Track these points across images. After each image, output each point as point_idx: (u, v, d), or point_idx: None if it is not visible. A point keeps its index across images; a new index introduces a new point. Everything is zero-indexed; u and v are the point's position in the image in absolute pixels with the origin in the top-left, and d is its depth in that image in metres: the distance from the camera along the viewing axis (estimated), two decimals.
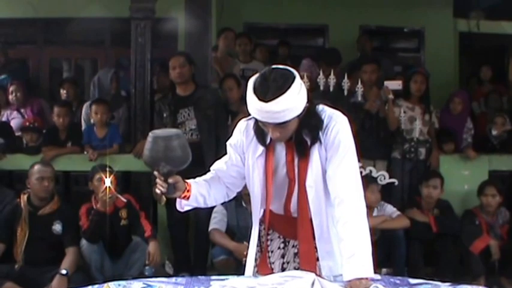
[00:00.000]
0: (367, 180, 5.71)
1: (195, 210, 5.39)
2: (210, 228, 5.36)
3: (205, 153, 5.54)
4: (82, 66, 9.53)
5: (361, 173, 5.95)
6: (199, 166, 5.30)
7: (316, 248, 2.77)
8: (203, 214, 5.45)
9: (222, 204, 5.24)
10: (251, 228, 2.98)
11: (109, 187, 5.15)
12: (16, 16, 8.39)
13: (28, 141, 6.37)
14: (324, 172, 2.67)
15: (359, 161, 5.97)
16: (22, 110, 6.96)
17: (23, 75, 7.93)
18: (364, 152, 6.29)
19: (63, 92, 7.12)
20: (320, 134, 2.65)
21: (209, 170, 2.93)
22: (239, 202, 5.37)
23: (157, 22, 6.56)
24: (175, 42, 7.84)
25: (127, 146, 6.30)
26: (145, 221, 5.42)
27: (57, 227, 5.31)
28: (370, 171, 5.86)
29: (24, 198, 5.34)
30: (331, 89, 6.25)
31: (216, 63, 6.92)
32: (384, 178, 5.84)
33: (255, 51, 7.63)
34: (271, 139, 2.68)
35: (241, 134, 2.80)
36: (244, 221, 5.23)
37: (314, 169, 2.68)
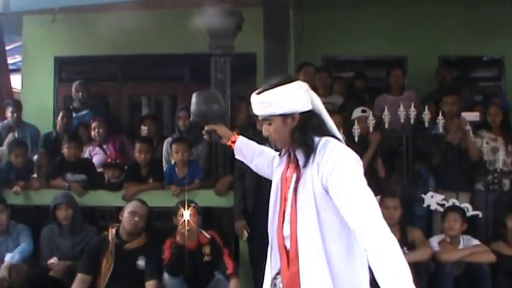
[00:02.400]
0: (449, 210, 5.84)
1: None
2: None
3: None
4: (161, 102, 9.94)
5: (443, 205, 6.09)
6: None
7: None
8: None
9: None
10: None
11: (188, 220, 5.50)
12: (97, 54, 8.85)
13: (110, 178, 6.79)
14: (317, 199, 2.75)
15: (442, 193, 6.09)
16: (104, 146, 7.44)
17: (104, 112, 8.44)
18: (447, 184, 6.49)
19: (143, 128, 7.51)
20: (314, 157, 2.78)
21: None
22: None
23: (236, 57, 6.89)
24: (253, 76, 8.10)
25: (208, 182, 6.58)
26: (228, 258, 5.72)
27: (141, 262, 5.71)
28: (453, 204, 5.96)
29: (112, 231, 5.74)
30: (412, 121, 6.41)
31: None
32: (468, 210, 5.95)
33: (333, 84, 7.82)
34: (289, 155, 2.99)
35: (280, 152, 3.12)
36: None
37: (305, 191, 2.79)
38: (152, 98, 9.85)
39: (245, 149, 3.47)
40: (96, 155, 7.38)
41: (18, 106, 8.09)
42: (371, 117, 6.43)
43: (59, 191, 6.56)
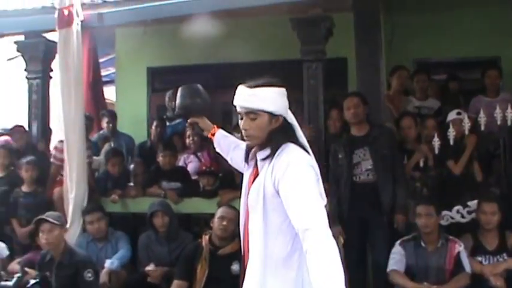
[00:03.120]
0: None
1: (372, 248, 5.64)
2: (388, 269, 5.58)
3: (381, 193, 5.79)
4: None
5: None
6: (376, 207, 5.60)
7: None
8: (381, 255, 5.66)
9: (400, 245, 5.47)
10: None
11: None
12: (188, 63, 9.04)
13: (205, 185, 6.94)
14: (266, 199, 2.92)
15: None
16: (199, 154, 7.57)
17: None
18: None
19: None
20: (271, 159, 2.95)
21: None
22: (418, 242, 5.58)
23: (327, 62, 6.91)
24: (345, 81, 8.10)
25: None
26: None
27: (235, 267, 5.80)
28: None
29: (206, 238, 5.87)
30: (509, 123, 6.32)
31: (389, 101, 7.11)
32: None
33: (427, 87, 7.75)
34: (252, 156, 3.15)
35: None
36: (423, 261, 5.48)
37: (257, 191, 2.97)
38: None
39: (222, 142, 3.71)
40: (190, 163, 7.55)
41: (113, 117, 8.39)
42: (466, 120, 6.35)
43: (155, 199, 6.75)
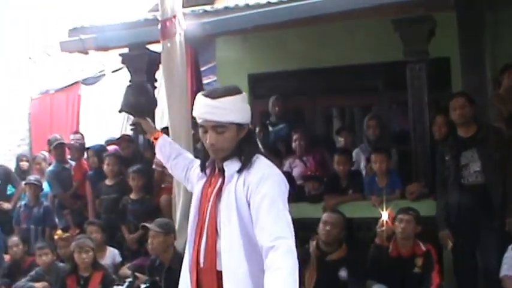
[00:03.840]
0: None
1: (482, 253, 5.47)
2: (501, 275, 5.47)
3: (491, 195, 5.69)
4: (353, 113, 10.04)
5: None
6: (486, 209, 5.49)
7: None
8: (493, 260, 5.58)
9: None
10: None
11: (386, 221, 5.64)
12: (289, 68, 9.10)
13: (310, 190, 6.96)
14: (240, 212, 2.85)
15: None
16: (304, 158, 7.60)
17: (299, 125, 8.60)
18: None
19: (340, 139, 7.63)
20: (245, 172, 2.89)
21: None
22: None
23: (430, 63, 6.83)
24: (448, 82, 7.96)
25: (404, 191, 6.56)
26: (436, 275, 5.64)
27: (343, 273, 5.82)
28: None
29: (313, 244, 5.89)
30: None
31: (498, 101, 6.91)
32: None
33: None
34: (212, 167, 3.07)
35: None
36: None
37: (228, 203, 2.89)
38: (346, 109, 10.01)
39: (164, 149, 3.68)
40: (296, 168, 7.60)
41: None
42: None
43: None
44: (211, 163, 3.07)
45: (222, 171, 2.99)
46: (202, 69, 10.21)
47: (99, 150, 8.36)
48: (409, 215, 5.65)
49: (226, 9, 7.57)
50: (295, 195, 7.03)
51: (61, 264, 7.07)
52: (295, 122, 8.79)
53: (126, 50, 8.10)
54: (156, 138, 3.70)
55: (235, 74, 9.54)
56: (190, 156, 3.64)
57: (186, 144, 6.35)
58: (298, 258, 5.84)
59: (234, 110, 2.88)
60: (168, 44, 6.46)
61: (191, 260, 3.02)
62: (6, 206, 9.12)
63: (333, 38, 8.27)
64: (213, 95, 2.88)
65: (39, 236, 8.04)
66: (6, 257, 7.95)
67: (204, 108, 2.89)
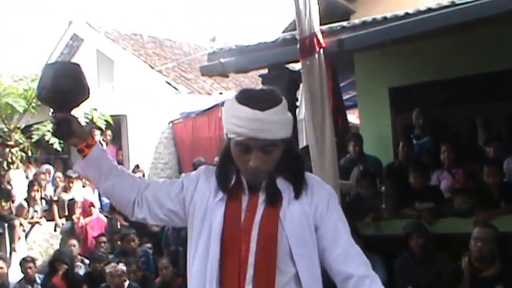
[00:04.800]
0: None
1: None
2: None
3: None
4: (499, 122, 9.73)
5: None
6: None
7: None
8: None
9: None
10: None
11: None
12: (430, 79, 8.96)
13: (459, 204, 6.77)
14: (312, 236, 2.46)
15: None
16: (453, 171, 7.47)
17: (444, 136, 8.40)
18: None
19: (489, 150, 7.43)
20: (306, 192, 2.49)
21: None
22: None
23: None
24: None
25: None
26: None
27: None
28: None
29: (465, 260, 5.74)
30: None
31: None
32: None
33: None
34: (234, 185, 2.49)
35: (197, 177, 2.61)
36: None
37: (298, 228, 2.43)
38: (491, 118, 9.65)
39: (102, 162, 2.62)
40: (443, 180, 7.47)
41: (359, 140, 8.53)
42: None
43: (408, 220, 6.76)
44: (235, 183, 2.50)
45: (270, 191, 2.47)
46: (341, 85, 10.24)
47: None
48: None
49: (364, 24, 7.57)
50: (443, 209, 6.93)
51: None
52: (440, 133, 8.62)
53: (265, 71, 8.26)
54: (88, 146, 2.60)
55: (375, 88, 9.51)
56: (130, 173, 2.77)
57: (330, 162, 6.39)
58: (451, 276, 5.79)
59: (285, 122, 2.40)
60: (308, 62, 6.55)
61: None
62: (156, 228, 9.48)
63: (470, 46, 8.07)
64: (261, 105, 2.33)
65: None
66: (157, 279, 8.26)
67: (254, 123, 2.32)
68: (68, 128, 2.57)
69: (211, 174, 2.56)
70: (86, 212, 10.89)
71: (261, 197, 2.47)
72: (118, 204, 2.69)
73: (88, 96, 2.65)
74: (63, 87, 2.55)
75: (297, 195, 2.47)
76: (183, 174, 2.77)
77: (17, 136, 12.26)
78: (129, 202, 2.62)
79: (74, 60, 17.91)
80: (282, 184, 2.47)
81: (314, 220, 2.46)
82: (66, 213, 11.16)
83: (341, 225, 2.50)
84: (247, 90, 2.46)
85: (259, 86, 2.58)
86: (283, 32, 10.78)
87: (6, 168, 11.83)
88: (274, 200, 2.45)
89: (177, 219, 2.64)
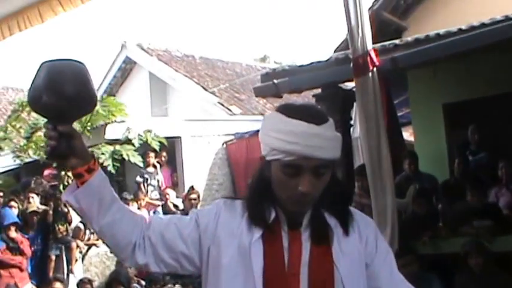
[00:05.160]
0: None
1: None
2: None
3: None
4: None
5: None
6: None
7: None
8: None
9: None
10: None
11: None
12: (485, 95, 8.88)
13: None
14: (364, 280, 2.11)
15: None
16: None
17: (503, 152, 8.27)
18: None
19: None
20: (352, 226, 2.13)
21: None
22: None
23: None
24: None
25: None
26: None
27: None
28: None
29: None
30: None
31: None
32: None
33: None
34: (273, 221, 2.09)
35: (217, 212, 2.18)
36: None
37: (356, 271, 2.08)
38: None
39: (104, 191, 2.10)
40: (502, 197, 7.38)
41: (414, 157, 8.49)
42: None
43: (467, 239, 6.68)
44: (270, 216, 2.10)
45: (317, 224, 2.10)
46: (394, 102, 10.22)
47: None
48: None
49: (417, 41, 7.55)
50: (503, 226, 6.84)
51: None
52: (496, 149, 8.53)
53: (319, 90, 8.29)
54: (89, 171, 2.07)
55: (429, 105, 9.49)
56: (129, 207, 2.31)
57: (387, 181, 6.36)
58: None
59: (338, 140, 2.08)
60: (362, 81, 6.55)
61: None
62: None
63: None
64: (315, 119, 2.03)
65: None
66: None
67: (310, 139, 1.99)
68: (68, 146, 2.04)
69: (236, 207, 2.17)
70: None
71: (305, 233, 2.09)
72: (115, 247, 2.15)
73: (95, 106, 2.18)
74: (70, 92, 2.02)
75: (347, 230, 2.11)
76: (193, 210, 2.25)
77: None
78: (129, 244, 2.12)
79: (127, 83, 18.36)
80: (327, 217, 2.11)
81: (365, 258, 2.12)
82: None
83: (389, 258, 2.18)
84: (291, 104, 2.13)
85: (299, 101, 2.31)
86: (335, 50, 10.79)
87: (62, 190, 12.06)
88: (322, 236, 2.07)
89: (188, 265, 2.19)
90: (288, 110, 2.06)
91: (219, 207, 2.17)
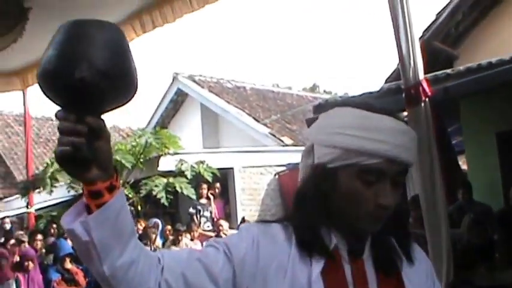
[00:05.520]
0: None
1: None
2: None
3: None
4: None
5: None
6: None
7: None
8: None
9: None
10: None
11: None
12: None
13: None
14: None
15: None
16: None
17: None
18: None
19: None
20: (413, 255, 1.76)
21: None
22: None
23: None
24: None
25: None
26: None
27: None
28: None
29: None
30: None
31: None
32: None
33: None
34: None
35: (254, 241, 1.66)
36: None
37: None
38: None
39: (126, 219, 1.51)
40: None
41: (467, 186, 8.42)
42: None
43: None
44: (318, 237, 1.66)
45: (353, 254, 1.67)
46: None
47: None
48: None
49: (469, 70, 7.55)
50: None
51: None
52: None
53: None
54: (110, 189, 1.47)
55: (482, 133, 9.42)
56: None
57: (441, 211, 6.34)
58: None
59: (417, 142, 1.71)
60: (414, 112, 6.56)
61: None
62: None
63: None
64: (398, 116, 1.70)
65: None
66: None
67: (399, 137, 1.61)
68: (94, 149, 1.42)
69: (276, 232, 1.70)
70: None
71: (368, 262, 1.68)
72: None
73: (134, 92, 1.49)
74: (117, 69, 1.40)
75: (411, 258, 1.73)
76: (218, 240, 1.69)
77: (126, 191, 12.69)
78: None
79: (179, 115, 18.60)
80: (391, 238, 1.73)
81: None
82: None
83: None
84: (366, 102, 1.75)
85: None
86: (386, 80, 10.83)
87: None
88: (390, 266, 1.69)
89: None
90: (366, 106, 1.68)
91: (255, 234, 1.67)
